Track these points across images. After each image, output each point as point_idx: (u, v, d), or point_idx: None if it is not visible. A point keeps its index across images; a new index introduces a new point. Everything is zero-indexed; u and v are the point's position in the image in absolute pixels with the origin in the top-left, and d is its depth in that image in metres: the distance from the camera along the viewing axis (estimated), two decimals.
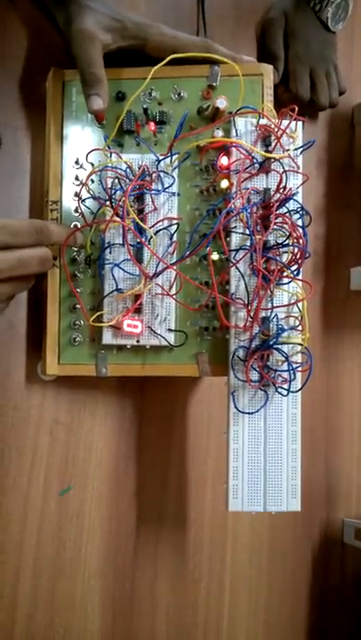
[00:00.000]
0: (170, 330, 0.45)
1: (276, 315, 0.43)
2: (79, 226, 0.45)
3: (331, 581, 0.60)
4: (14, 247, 0.39)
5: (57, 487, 0.50)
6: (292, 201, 0.43)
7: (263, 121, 0.44)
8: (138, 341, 0.45)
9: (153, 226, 0.44)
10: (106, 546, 0.52)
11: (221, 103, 0.44)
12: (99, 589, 0.51)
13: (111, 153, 0.44)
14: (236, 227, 0.43)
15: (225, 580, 0.56)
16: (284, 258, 0.43)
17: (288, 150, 0.44)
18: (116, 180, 0.43)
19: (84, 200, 0.45)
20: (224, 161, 0.44)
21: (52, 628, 0.50)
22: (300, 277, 0.44)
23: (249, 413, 0.43)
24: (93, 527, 0.51)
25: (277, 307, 0.43)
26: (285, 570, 0.58)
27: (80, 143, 0.46)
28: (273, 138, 0.44)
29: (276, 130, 0.43)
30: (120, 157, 0.44)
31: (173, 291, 0.44)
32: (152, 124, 0.45)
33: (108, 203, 0.43)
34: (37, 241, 0.40)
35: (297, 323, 0.44)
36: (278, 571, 0.58)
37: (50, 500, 0.50)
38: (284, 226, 0.43)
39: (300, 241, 0.42)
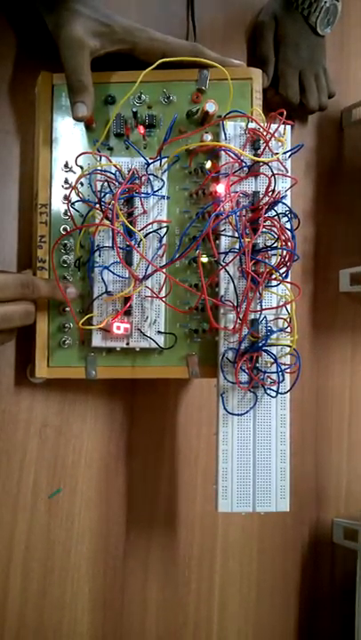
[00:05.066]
0: (159, 332, 0.45)
1: (265, 317, 0.44)
2: (68, 229, 0.46)
3: (320, 581, 0.61)
4: None
5: (46, 490, 0.50)
6: (280, 204, 0.44)
7: (252, 125, 0.44)
8: (127, 344, 0.45)
9: (142, 229, 0.44)
10: (96, 548, 0.52)
11: (211, 107, 0.45)
12: (88, 591, 0.51)
13: (101, 156, 0.45)
14: (225, 230, 0.43)
15: (215, 580, 0.56)
16: (273, 260, 0.44)
17: (277, 154, 0.44)
18: (106, 184, 0.43)
19: (73, 203, 0.45)
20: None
21: (43, 631, 0.50)
22: (288, 280, 0.44)
23: (238, 415, 0.43)
24: (83, 529, 0.51)
25: (266, 309, 0.44)
26: (275, 570, 0.59)
27: (69, 146, 0.46)
28: (262, 141, 0.44)
29: (264, 134, 0.44)
30: (109, 161, 0.44)
31: (163, 293, 0.44)
32: (141, 127, 0.45)
33: (97, 206, 0.43)
34: (22, 295, 0.41)
35: (286, 325, 0.44)
36: (268, 571, 0.58)
37: (39, 503, 0.50)
38: (273, 229, 0.43)
39: (289, 244, 0.43)
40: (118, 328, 0.43)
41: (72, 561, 0.51)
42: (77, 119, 0.43)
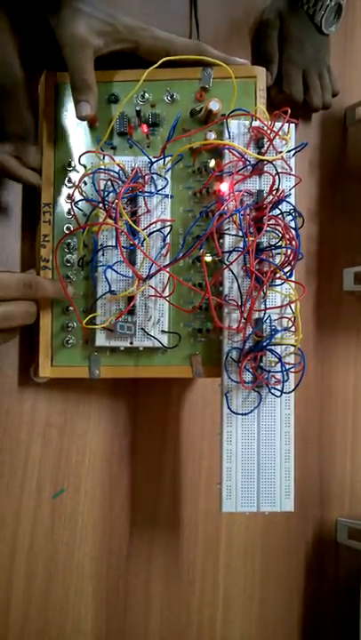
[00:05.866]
0: (163, 331, 0.45)
1: (269, 316, 0.44)
2: (72, 228, 0.45)
3: (324, 581, 0.61)
4: (1, 300, 0.39)
5: (50, 490, 0.50)
6: (284, 203, 0.43)
7: (256, 123, 0.44)
8: (131, 343, 0.45)
9: (146, 228, 0.44)
10: (99, 548, 0.52)
11: (214, 105, 0.44)
12: (92, 591, 0.51)
13: (104, 155, 0.44)
14: (228, 228, 0.43)
15: (219, 580, 0.56)
16: (277, 259, 0.44)
17: (281, 152, 0.44)
18: (109, 183, 0.43)
19: (76, 202, 0.45)
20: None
21: (46, 631, 0.50)
22: (292, 279, 0.44)
23: (242, 414, 0.43)
24: (87, 529, 0.51)
25: (270, 308, 0.44)
26: (279, 569, 0.59)
27: (72, 145, 0.46)
28: (266, 140, 0.44)
29: (268, 132, 0.43)
30: (113, 159, 0.44)
31: (166, 292, 0.44)
32: (145, 126, 0.45)
33: (100, 205, 0.43)
34: (25, 295, 0.41)
35: (290, 324, 0.44)
36: (272, 570, 0.58)
37: (43, 503, 0.50)
38: (277, 228, 0.43)
39: (293, 242, 0.43)
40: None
41: (76, 561, 0.51)
42: (81, 118, 0.43)
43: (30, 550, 0.49)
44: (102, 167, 0.44)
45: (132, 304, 0.43)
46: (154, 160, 0.44)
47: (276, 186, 0.43)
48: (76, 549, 0.51)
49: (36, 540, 0.49)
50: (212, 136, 0.45)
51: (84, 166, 0.46)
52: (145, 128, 0.45)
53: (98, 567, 0.51)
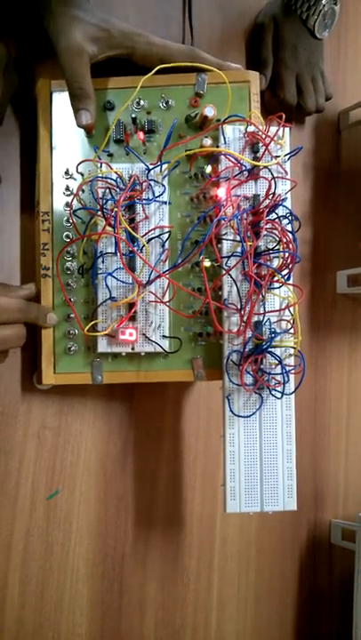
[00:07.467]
0: (164, 336, 0.45)
1: (268, 319, 0.44)
2: (71, 236, 0.46)
3: (319, 582, 0.61)
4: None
5: (45, 491, 0.50)
6: (280, 206, 0.44)
7: (251, 128, 0.44)
8: (133, 349, 0.45)
9: (145, 235, 0.44)
10: (94, 549, 0.52)
11: (209, 111, 0.45)
12: (87, 593, 0.51)
13: (101, 163, 0.45)
14: (226, 233, 0.44)
15: (213, 582, 0.56)
16: (275, 263, 0.44)
17: (278, 157, 0.44)
18: (107, 190, 0.44)
19: (75, 211, 0.45)
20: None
21: (41, 633, 0.50)
22: (290, 282, 0.44)
23: (244, 417, 0.44)
24: (82, 531, 0.51)
25: (270, 311, 0.44)
26: (273, 571, 0.59)
27: (69, 153, 0.46)
28: (261, 144, 0.44)
29: (263, 137, 0.44)
30: (110, 167, 0.44)
31: (167, 298, 0.45)
32: (141, 133, 0.45)
33: (99, 213, 0.43)
34: (18, 320, 0.42)
35: (289, 326, 0.44)
36: (266, 572, 0.59)
37: (38, 504, 0.50)
38: (274, 231, 0.43)
39: (290, 246, 0.43)
40: (131, 335, 0.44)
41: (70, 562, 0.51)
42: (81, 127, 0.43)
43: (25, 552, 0.49)
44: (100, 175, 0.44)
45: (133, 310, 0.44)
46: (151, 167, 0.44)
47: (272, 190, 0.43)
48: (70, 551, 0.51)
49: (31, 542, 0.49)
50: (207, 142, 0.46)
51: (82, 174, 0.46)
52: (141, 135, 0.45)
53: (93, 569, 0.52)
